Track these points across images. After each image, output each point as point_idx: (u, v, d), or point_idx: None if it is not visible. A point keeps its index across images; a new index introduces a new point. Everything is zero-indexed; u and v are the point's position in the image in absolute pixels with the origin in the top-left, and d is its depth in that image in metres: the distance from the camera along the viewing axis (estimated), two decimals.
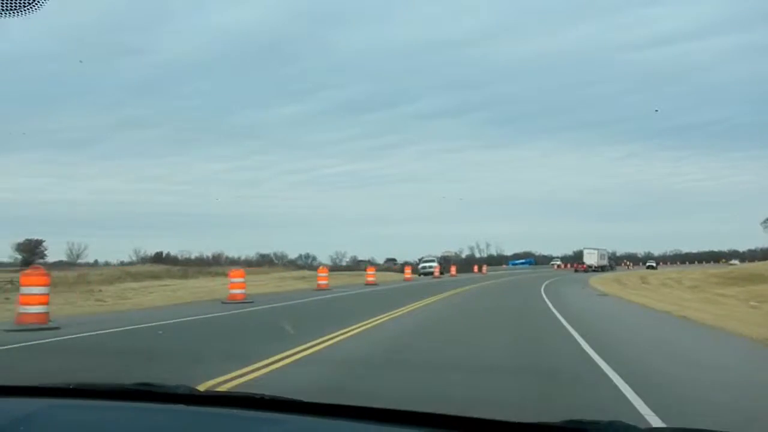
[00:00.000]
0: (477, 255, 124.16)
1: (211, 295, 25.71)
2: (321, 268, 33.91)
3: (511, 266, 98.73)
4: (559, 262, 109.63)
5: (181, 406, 1.94)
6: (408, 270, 46.38)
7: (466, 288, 31.06)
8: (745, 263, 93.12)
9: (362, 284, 35.04)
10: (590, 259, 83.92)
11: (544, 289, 29.67)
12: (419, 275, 54.57)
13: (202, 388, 4.09)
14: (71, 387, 2.14)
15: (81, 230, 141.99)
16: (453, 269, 58.77)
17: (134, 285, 38.47)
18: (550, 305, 19.81)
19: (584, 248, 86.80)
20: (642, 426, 1.65)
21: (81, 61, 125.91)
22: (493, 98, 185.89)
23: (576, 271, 79.82)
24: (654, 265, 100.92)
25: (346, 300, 22.88)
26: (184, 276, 57.25)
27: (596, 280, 46.50)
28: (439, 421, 1.72)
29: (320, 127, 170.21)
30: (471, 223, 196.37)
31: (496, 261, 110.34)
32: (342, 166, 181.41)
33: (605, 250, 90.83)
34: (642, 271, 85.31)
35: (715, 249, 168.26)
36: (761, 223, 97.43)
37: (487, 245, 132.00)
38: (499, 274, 64.82)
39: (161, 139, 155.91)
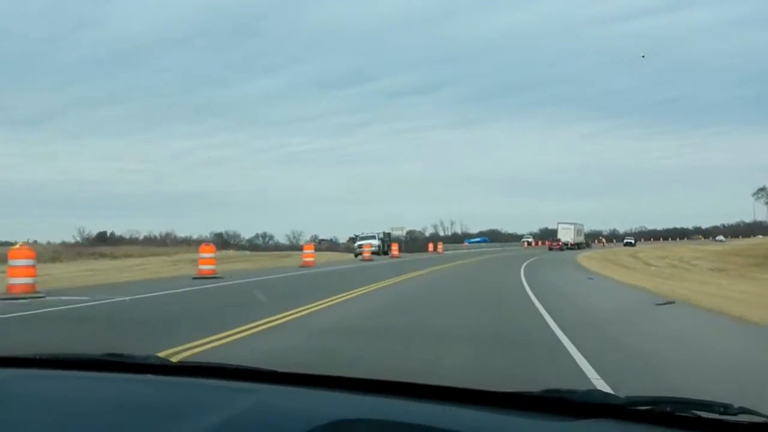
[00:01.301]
0: (441, 233, 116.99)
1: None
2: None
3: (469, 244, 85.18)
4: (530, 239, 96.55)
5: (151, 376, 1.85)
6: (309, 249, 29.07)
7: (368, 288, 15.15)
8: (739, 239, 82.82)
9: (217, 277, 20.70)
10: (566, 235, 71.46)
11: (536, 289, 15.29)
12: (355, 255, 41.80)
13: None
14: (38, 357, 2.04)
15: (41, 210, 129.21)
16: (395, 248, 45.32)
17: None
18: None
19: (559, 223, 74.13)
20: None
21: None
22: (462, 75, 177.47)
23: (550, 249, 67.47)
24: (632, 241, 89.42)
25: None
26: (55, 259, 43.51)
27: (591, 263, 33.94)
28: (416, 390, 1.63)
29: (289, 104, 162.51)
30: (439, 201, 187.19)
31: (460, 239, 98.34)
32: (310, 144, 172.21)
33: (581, 224, 78.32)
34: (622, 248, 73.95)
35: (679, 226, 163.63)
36: (752, 195, 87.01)
37: (452, 223, 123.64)
38: (458, 254, 51.12)
39: (127, 117, 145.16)
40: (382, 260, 37.66)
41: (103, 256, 44.41)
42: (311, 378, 1.77)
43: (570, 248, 68.56)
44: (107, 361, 1.99)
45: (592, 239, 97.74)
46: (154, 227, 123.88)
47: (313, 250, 28.99)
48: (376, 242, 46.86)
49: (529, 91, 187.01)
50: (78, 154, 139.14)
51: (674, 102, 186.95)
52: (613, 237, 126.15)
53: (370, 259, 36.74)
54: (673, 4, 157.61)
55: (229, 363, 1.93)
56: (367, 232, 50.10)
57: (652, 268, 31.67)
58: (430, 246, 58.09)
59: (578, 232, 75.04)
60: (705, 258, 45.49)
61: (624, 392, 3.70)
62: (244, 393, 1.65)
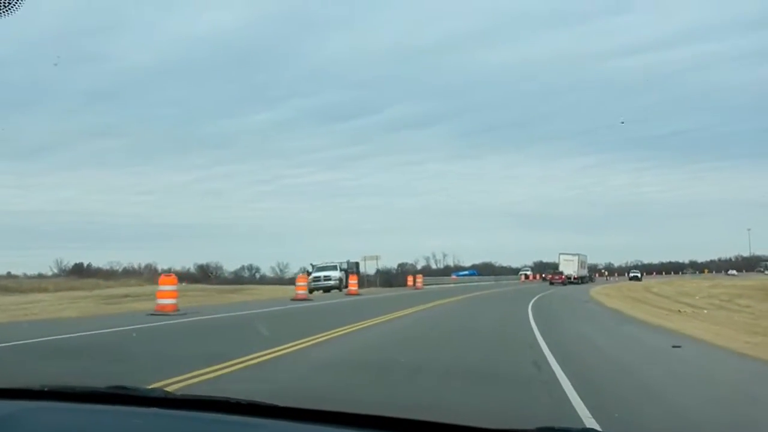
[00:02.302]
0: (433, 266, 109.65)
1: None
2: None
3: (457, 277, 72.69)
4: (528, 272, 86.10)
5: (155, 410, 1.84)
6: (166, 284, 16.89)
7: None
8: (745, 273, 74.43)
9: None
10: (569, 267, 61.90)
11: (592, 388, 6.17)
12: (309, 291, 32.61)
13: None
14: (46, 389, 2.00)
15: (37, 242, 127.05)
16: (353, 283, 32.22)
17: None
18: None
19: (560, 254, 64.66)
20: None
21: (56, 64, 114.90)
22: (459, 110, 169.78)
23: (551, 283, 57.98)
24: (638, 275, 79.95)
25: None
26: None
27: (617, 303, 24.83)
28: (413, 427, 1.62)
29: (288, 137, 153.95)
30: (434, 234, 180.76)
31: (451, 273, 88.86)
32: (307, 177, 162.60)
33: (585, 256, 68.75)
34: (629, 283, 65.00)
35: (673, 260, 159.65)
36: None
37: (444, 256, 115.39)
38: (443, 290, 40.04)
39: (125, 149, 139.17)
40: (333, 299, 27.67)
41: (7, 290, 35.21)
42: (312, 413, 1.75)
43: (572, 282, 59.32)
44: (112, 393, 1.95)
45: (592, 272, 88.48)
46: (150, 259, 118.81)
47: (173, 287, 16.87)
48: (336, 274, 36.38)
49: (525, 125, 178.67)
50: (75, 186, 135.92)
51: (669, 137, 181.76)
52: (614, 271, 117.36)
53: (305, 298, 24.95)
54: (669, 40, 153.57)
55: (232, 397, 1.87)
56: (323, 263, 39.30)
57: (705, 311, 22.50)
58: (409, 279, 45.85)
59: (582, 264, 65.66)
60: (744, 295, 36.39)
61: None
62: (247, 427, 1.66)
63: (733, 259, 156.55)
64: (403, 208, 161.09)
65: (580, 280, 62.34)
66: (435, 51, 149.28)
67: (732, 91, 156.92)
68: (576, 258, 63.54)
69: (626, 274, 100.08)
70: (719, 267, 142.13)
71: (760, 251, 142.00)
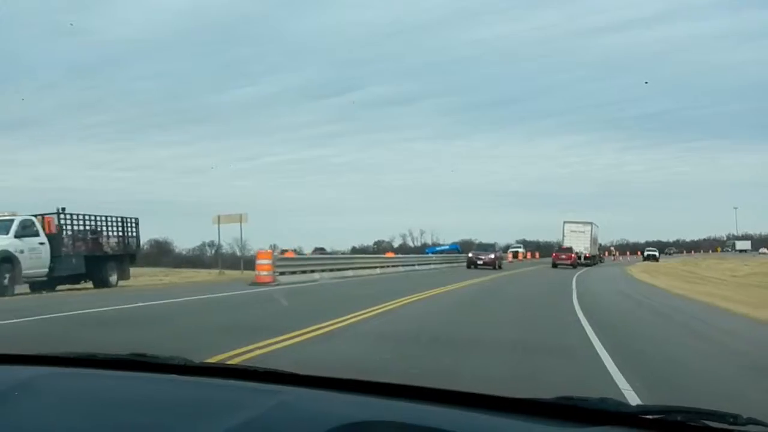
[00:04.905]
0: (410, 243, 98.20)
1: None
2: None
3: (432, 255, 49.53)
4: (520, 249, 65.22)
5: (175, 376, 1.81)
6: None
7: None
8: None
9: None
10: (579, 242, 44.44)
11: None
12: None
13: None
14: (68, 356, 2.00)
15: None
16: None
17: None
18: None
19: (565, 222, 46.76)
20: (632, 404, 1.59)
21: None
22: (444, 88, 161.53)
23: (555, 264, 41.35)
24: (656, 254, 64.07)
25: None
26: None
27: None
28: (434, 395, 1.59)
29: (271, 114, 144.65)
30: (416, 213, 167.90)
31: (418, 250, 73.99)
32: (290, 154, 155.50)
33: (598, 226, 50.44)
34: (646, 262, 50.04)
35: (658, 239, 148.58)
36: None
37: (422, 233, 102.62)
38: (351, 287, 17.63)
39: (105, 124, 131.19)
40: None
41: None
42: (331, 381, 1.73)
43: (582, 263, 43.18)
44: (133, 360, 1.95)
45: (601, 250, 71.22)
46: None
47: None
48: None
49: (511, 103, 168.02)
50: (56, 161, 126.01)
51: (653, 116, 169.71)
52: (617, 249, 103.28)
53: None
54: (655, 18, 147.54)
55: (251, 365, 1.91)
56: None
57: None
58: (260, 259, 18.90)
59: (594, 239, 48.44)
60: None
61: None
62: (266, 394, 1.62)
63: (724, 238, 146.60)
64: (387, 186, 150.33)
65: (591, 261, 46.12)
66: (420, 28, 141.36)
67: (716, 71, 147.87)
68: (588, 228, 45.96)
69: (628, 253, 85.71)
70: (707, 246, 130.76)
71: (748, 230, 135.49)
